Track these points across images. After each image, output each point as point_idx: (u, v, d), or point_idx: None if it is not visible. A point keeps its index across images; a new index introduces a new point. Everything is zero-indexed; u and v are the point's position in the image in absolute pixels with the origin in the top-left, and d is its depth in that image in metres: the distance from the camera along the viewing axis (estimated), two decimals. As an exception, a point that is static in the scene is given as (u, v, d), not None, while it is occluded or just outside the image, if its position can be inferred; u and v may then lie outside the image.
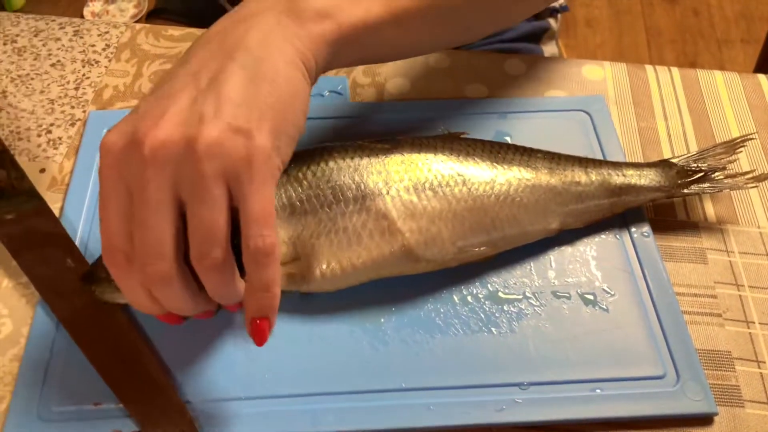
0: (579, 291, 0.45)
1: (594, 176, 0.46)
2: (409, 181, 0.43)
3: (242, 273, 0.39)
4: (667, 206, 0.50)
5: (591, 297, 0.44)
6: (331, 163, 0.43)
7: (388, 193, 0.43)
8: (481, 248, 0.44)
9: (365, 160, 0.44)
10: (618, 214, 0.47)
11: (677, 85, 0.57)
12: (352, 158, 0.44)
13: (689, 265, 0.47)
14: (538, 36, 0.72)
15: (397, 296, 0.44)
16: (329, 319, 0.43)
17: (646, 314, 0.44)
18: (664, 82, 0.58)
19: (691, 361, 0.42)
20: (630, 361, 0.42)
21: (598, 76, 0.58)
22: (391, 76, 0.58)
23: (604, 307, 0.44)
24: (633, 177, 0.47)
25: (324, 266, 0.42)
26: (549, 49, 0.73)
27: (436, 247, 0.43)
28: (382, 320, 0.43)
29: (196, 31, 0.61)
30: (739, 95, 0.57)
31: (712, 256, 0.47)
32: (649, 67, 0.59)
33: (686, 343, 0.42)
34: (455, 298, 0.44)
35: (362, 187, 0.43)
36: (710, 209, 0.50)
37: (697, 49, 1.74)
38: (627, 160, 0.51)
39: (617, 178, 0.47)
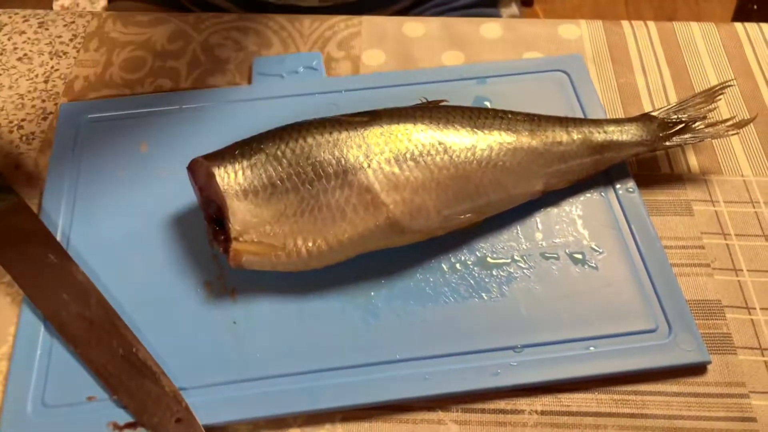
0: (567, 251, 0.45)
1: (575, 135, 0.46)
2: (389, 153, 0.43)
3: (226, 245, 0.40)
4: (651, 160, 0.50)
5: (579, 256, 0.44)
6: (310, 140, 0.43)
7: (369, 166, 0.42)
8: (467, 215, 0.43)
9: (344, 134, 0.43)
10: (602, 171, 0.47)
11: (654, 39, 0.57)
12: (330, 133, 0.43)
13: (675, 218, 0.47)
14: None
15: (386, 268, 0.44)
16: (319, 296, 0.43)
17: (636, 269, 0.44)
18: (641, 36, 0.57)
19: (682, 312, 0.42)
20: (622, 317, 0.42)
21: (575, 35, 0.58)
22: (366, 47, 0.57)
23: (593, 265, 0.44)
24: (614, 133, 0.47)
25: (310, 244, 0.41)
26: (509, 11, 0.71)
27: (422, 217, 0.42)
28: (372, 293, 0.43)
29: (165, 16, 0.59)
30: (716, 45, 0.57)
31: (697, 207, 0.47)
32: (625, 23, 0.58)
33: (676, 295, 0.42)
34: (444, 266, 0.44)
35: (343, 161, 0.42)
36: (693, 160, 0.50)
37: (675, 5, 1.73)
38: (608, 117, 0.51)
39: (599, 135, 0.46)
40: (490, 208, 0.44)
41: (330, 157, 0.42)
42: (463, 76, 0.54)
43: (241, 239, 0.41)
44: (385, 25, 0.59)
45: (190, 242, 0.45)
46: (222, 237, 0.42)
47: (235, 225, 0.41)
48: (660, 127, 0.47)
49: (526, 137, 0.45)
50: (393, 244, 0.43)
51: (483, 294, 0.43)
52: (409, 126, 0.44)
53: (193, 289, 0.43)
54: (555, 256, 0.44)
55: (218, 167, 0.42)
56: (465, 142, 0.44)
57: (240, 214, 0.41)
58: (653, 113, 0.48)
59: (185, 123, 0.52)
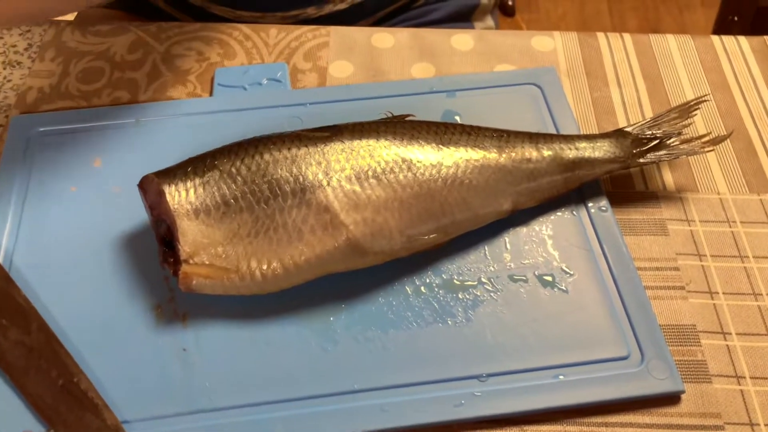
0: (536, 273, 0.43)
1: (545, 152, 0.44)
2: (350, 170, 0.41)
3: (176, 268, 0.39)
4: (625, 177, 0.48)
5: (549, 278, 0.42)
6: (267, 156, 0.41)
7: (328, 184, 0.40)
8: (431, 235, 0.41)
9: (303, 150, 0.41)
10: (573, 189, 0.45)
11: (630, 52, 0.55)
12: (289, 149, 0.41)
13: (650, 238, 0.45)
14: (468, 14, 0.69)
15: (346, 292, 0.42)
16: (273, 321, 0.41)
17: (608, 293, 0.42)
18: (617, 49, 0.56)
19: (655, 338, 0.40)
20: (593, 344, 0.40)
21: (549, 47, 0.56)
22: (333, 59, 0.55)
23: (563, 288, 0.42)
24: (586, 150, 0.45)
25: (264, 267, 0.39)
26: (483, 24, 0.70)
27: (384, 238, 0.40)
28: (331, 318, 0.41)
29: (126, 25, 0.57)
30: (692, 58, 0.55)
31: (672, 227, 0.45)
32: (600, 35, 0.57)
33: (650, 320, 0.41)
34: (408, 289, 0.42)
35: (301, 179, 0.40)
36: (669, 178, 0.48)
37: (659, 15, 1.72)
38: (581, 133, 0.49)
39: (570, 151, 0.45)
40: (455, 228, 0.42)
41: (287, 174, 0.40)
42: (433, 89, 0.52)
43: (191, 261, 0.39)
44: (354, 36, 0.57)
45: (141, 263, 0.43)
46: (172, 259, 0.40)
47: (185, 246, 0.39)
48: (634, 143, 0.46)
49: (494, 154, 0.43)
50: (354, 267, 0.41)
51: (448, 319, 0.41)
52: (372, 142, 0.42)
53: (142, 313, 0.41)
54: (523, 278, 0.43)
55: (169, 185, 0.40)
56: (430, 158, 0.42)
57: (191, 234, 0.39)
58: (627, 129, 0.46)
59: (142, 137, 0.49)
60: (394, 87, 0.52)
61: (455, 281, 0.42)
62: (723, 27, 0.87)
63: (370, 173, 0.41)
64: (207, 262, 0.39)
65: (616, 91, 0.53)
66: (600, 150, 0.45)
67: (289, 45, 0.56)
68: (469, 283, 0.42)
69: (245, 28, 0.57)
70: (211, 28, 0.57)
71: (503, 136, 0.44)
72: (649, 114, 0.51)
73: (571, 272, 0.43)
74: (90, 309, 0.41)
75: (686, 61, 0.55)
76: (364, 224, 0.40)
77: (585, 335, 0.40)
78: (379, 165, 0.41)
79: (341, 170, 0.41)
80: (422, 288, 0.42)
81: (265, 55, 0.55)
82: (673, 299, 0.42)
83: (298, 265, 0.39)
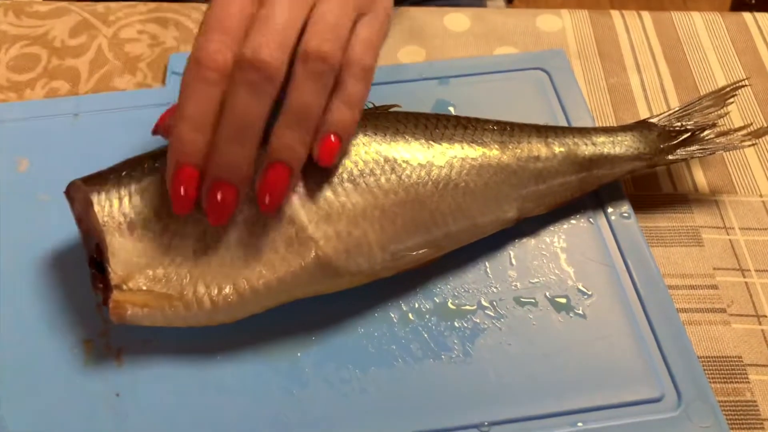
0: (548, 294, 0.35)
1: (557, 148, 0.37)
2: (321, 174, 0.33)
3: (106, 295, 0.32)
4: (650, 178, 0.41)
5: (563, 301, 0.35)
6: None
7: (294, 190, 0.33)
8: (421, 251, 0.34)
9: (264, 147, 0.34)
10: (590, 192, 0.38)
11: (649, 32, 0.48)
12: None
13: (681, 250, 0.38)
14: None
15: (316, 321, 0.34)
16: (227, 359, 0.33)
17: (634, 318, 0.35)
18: (634, 28, 0.48)
19: (693, 374, 0.33)
20: (618, 383, 0.33)
21: (556, 27, 0.49)
22: (307, 43, 0.48)
23: (580, 312, 0.35)
24: (605, 145, 0.37)
25: (215, 292, 0.32)
26: (494, 3, 0.63)
27: (362, 255, 0.33)
28: (299, 354, 0.33)
29: (68, 5, 0.50)
30: (722, 38, 0.48)
31: (708, 236, 0.38)
32: (615, 13, 0.49)
33: (686, 351, 0.33)
34: (393, 316, 0.35)
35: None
36: (701, 178, 0.41)
37: (663, 3, 1.65)
38: (597, 126, 0.42)
39: (586, 147, 0.37)
40: (450, 242, 0.35)
41: None
42: (423, 76, 0.45)
43: (125, 287, 0.31)
44: (331, 16, 0.49)
45: (69, 288, 0.35)
46: (102, 284, 0.32)
47: (116, 268, 0.31)
48: (661, 137, 0.38)
49: (496, 151, 0.36)
50: (325, 291, 0.34)
51: (441, 353, 0.33)
52: (364, 137, 0.35)
53: (67, 349, 0.33)
54: (532, 301, 0.35)
55: (98, 192, 0.33)
56: (418, 158, 0.35)
57: (124, 253, 0.32)
58: (652, 120, 0.39)
59: (81, 134, 0.42)
60: (379, 73, 0.45)
61: (450, 305, 0.35)
62: (741, 5, 0.79)
63: (345, 176, 0.33)
64: (144, 288, 0.32)
65: (635, 76, 0.46)
66: (621, 145, 0.38)
67: (256, 27, 0.48)
68: (467, 307, 0.35)
69: (206, 8, 0.49)
70: (166, 9, 0.50)
71: (506, 130, 0.37)
72: (674, 103, 0.44)
73: (589, 293, 0.35)
74: (6, 345, 0.34)
75: (715, 41, 0.48)
76: (337, 239, 0.32)
77: (608, 372, 0.33)
78: (356, 166, 0.34)
79: (310, 173, 0.33)
80: (410, 315, 0.35)
81: (228, 38, 0.48)
82: (713, 324, 0.35)
83: (256, 289, 0.32)
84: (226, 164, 0.30)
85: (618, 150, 0.38)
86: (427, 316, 0.35)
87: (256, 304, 0.33)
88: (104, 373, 0.33)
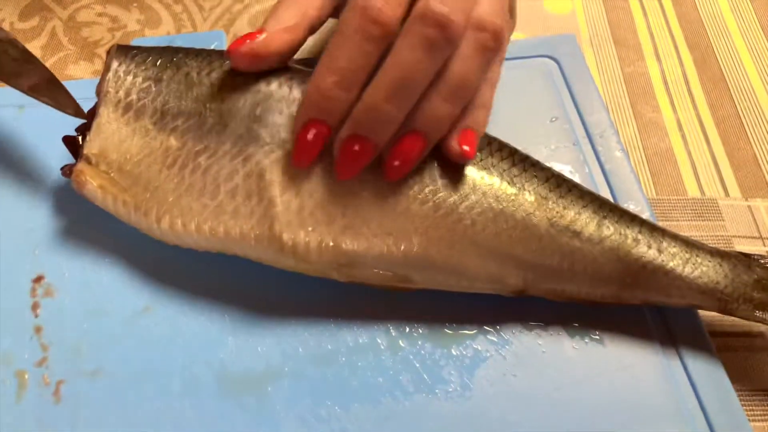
0: (558, 315, 0.31)
1: (609, 233, 0.29)
2: None
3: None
4: (673, 179, 0.36)
5: (575, 323, 0.30)
6: (240, 79, 0.30)
7: (282, 145, 0.29)
8: (383, 272, 0.29)
9: (282, 92, 0.30)
10: (624, 305, 0.30)
11: (669, 16, 0.43)
12: (268, 83, 0.30)
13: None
14: None
15: (290, 347, 0.29)
16: (186, 393, 0.28)
17: (659, 345, 0.30)
18: (653, 11, 0.43)
19: (730, 410, 0.28)
20: (642, 421, 0.28)
21: (565, 10, 0.44)
22: (287, 26, 0.43)
23: (596, 337, 0.30)
24: (674, 258, 0.29)
25: (162, 210, 0.29)
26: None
27: (314, 242, 0.28)
28: (269, 388, 0.28)
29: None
30: (749, 21, 0.43)
31: (742, 247, 0.33)
32: (630, -6, 0.44)
33: (720, 383, 0.29)
34: (380, 342, 0.30)
35: (255, 127, 0.29)
36: (731, 180, 0.36)
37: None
38: (612, 121, 0.37)
39: (646, 250, 0.29)
40: (423, 279, 0.29)
41: (246, 111, 0.29)
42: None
43: (93, 161, 0.30)
44: (314, -3, 0.44)
45: (3, 305, 0.31)
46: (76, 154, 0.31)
47: (94, 140, 0.30)
48: (760, 285, 0.29)
49: (529, 203, 0.29)
50: (265, 261, 0.29)
51: (436, 387, 0.29)
52: None
53: (-2, 383, 0.29)
54: (541, 324, 0.30)
55: (119, 63, 0.31)
56: (432, 168, 0.29)
57: (107, 129, 0.30)
58: (757, 257, 0.30)
59: (25, 128, 0.37)
60: (366, 61, 0.40)
61: (446, 330, 0.30)
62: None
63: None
64: (107, 171, 0.30)
65: (654, 64, 0.41)
66: (696, 268, 0.29)
67: (230, 9, 0.43)
68: (466, 332, 0.30)
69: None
70: (130, -12, 0.44)
71: (557, 185, 0.30)
72: (699, 95, 0.39)
73: (607, 315, 0.31)
74: (-73, 375, 0.29)
75: (742, 25, 0.43)
76: (297, 213, 0.28)
77: (631, 409, 0.28)
78: None
79: None
80: (400, 341, 0.30)
81: (198, 22, 0.43)
82: (751, 351, 0.30)
83: (200, 227, 0.29)
84: (374, 123, 0.27)
85: (687, 271, 0.29)
86: (420, 342, 0.30)
87: (194, 241, 0.29)
88: (39, 410, 0.28)
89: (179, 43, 0.40)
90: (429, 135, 0.28)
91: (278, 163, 0.29)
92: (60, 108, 0.31)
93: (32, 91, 0.32)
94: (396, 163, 0.28)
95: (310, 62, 0.32)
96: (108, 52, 0.32)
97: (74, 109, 0.32)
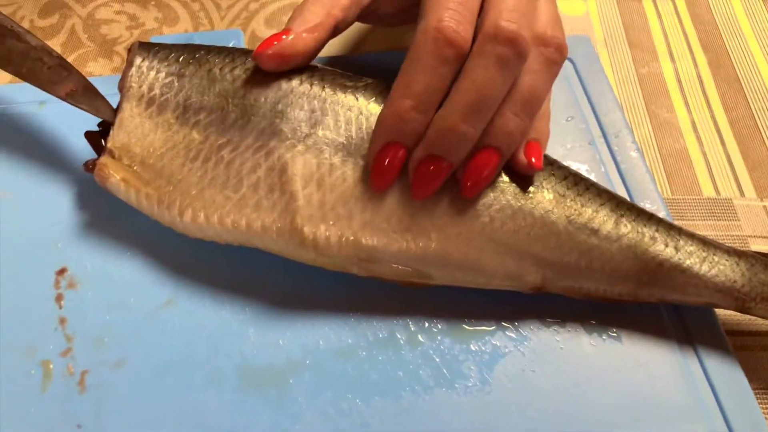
0: (576, 310, 0.31)
1: (626, 231, 0.29)
2: (342, 137, 0.29)
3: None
4: (688, 179, 0.36)
5: (593, 321, 0.31)
6: (260, 76, 0.30)
7: (303, 140, 0.29)
8: (402, 267, 0.29)
9: (303, 88, 0.30)
10: (641, 303, 0.30)
11: (683, 17, 0.44)
12: (290, 79, 0.30)
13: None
14: None
15: (311, 340, 0.30)
16: (209, 385, 0.29)
17: (676, 342, 0.30)
18: (666, 13, 0.44)
19: (747, 409, 0.28)
20: (659, 418, 0.28)
21: (579, 11, 0.44)
22: (304, 25, 0.43)
23: (613, 334, 0.30)
24: (691, 256, 0.29)
25: (185, 203, 0.29)
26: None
27: (334, 236, 0.28)
28: (291, 381, 0.29)
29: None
30: (763, 23, 0.43)
31: (758, 247, 0.34)
32: (644, -4, 0.45)
33: (737, 381, 0.29)
34: (400, 336, 0.30)
35: (278, 121, 0.29)
36: (746, 179, 0.36)
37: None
38: (627, 122, 0.37)
39: (663, 248, 0.29)
40: (442, 275, 0.29)
41: (269, 106, 0.30)
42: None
43: (116, 155, 0.30)
44: (330, -3, 0.44)
45: (29, 299, 0.31)
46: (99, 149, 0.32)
47: (117, 134, 0.30)
48: None
49: (548, 201, 0.29)
50: (286, 254, 0.30)
51: (456, 382, 0.29)
52: None
53: (22, 372, 0.29)
54: (558, 321, 0.31)
55: (142, 59, 0.32)
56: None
57: (130, 123, 0.31)
58: None
59: (47, 124, 0.37)
60: (383, 60, 0.40)
61: (465, 326, 0.30)
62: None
63: (362, 151, 0.29)
64: (131, 165, 0.30)
65: (668, 65, 0.41)
66: (713, 267, 0.29)
67: (247, 7, 0.44)
68: (485, 328, 0.30)
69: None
70: (148, -13, 0.45)
71: (575, 184, 0.30)
72: (713, 95, 0.40)
73: (624, 312, 0.31)
74: (-48, 366, 0.29)
75: (756, 27, 0.43)
76: (319, 207, 0.28)
77: (648, 405, 0.28)
78: None
79: (329, 129, 0.29)
80: (419, 335, 0.30)
81: (216, 20, 0.43)
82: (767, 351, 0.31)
83: (222, 220, 0.29)
84: (450, 144, 0.27)
85: (704, 270, 0.29)
86: (439, 338, 0.30)
87: (216, 234, 0.30)
88: (63, 400, 0.28)
89: (197, 41, 0.41)
90: (503, 150, 0.28)
91: (300, 157, 0.29)
92: (98, 114, 0.32)
93: (69, 98, 0.32)
94: (471, 180, 0.28)
95: (336, 61, 0.32)
96: (129, 50, 0.33)
97: (111, 115, 0.32)
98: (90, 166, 0.31)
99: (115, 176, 0.30)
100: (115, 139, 0.30)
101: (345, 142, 0.29)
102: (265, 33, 0.42)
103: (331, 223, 0.28)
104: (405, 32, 0.42)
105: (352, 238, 0.28)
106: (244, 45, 0.41)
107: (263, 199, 0.29)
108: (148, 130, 0.30)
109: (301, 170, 0.29)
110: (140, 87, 0.31)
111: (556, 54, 0.29)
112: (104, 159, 0.30)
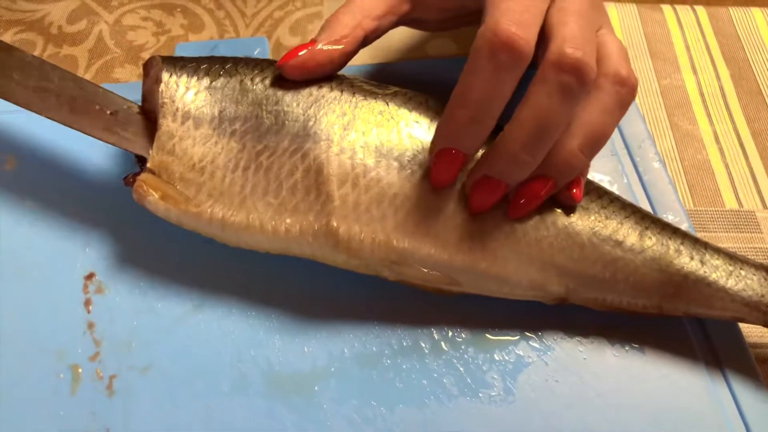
0: (598, 322, 0.31)
1: (650, 243, 0.29)
2: (375, 139, 0.30)
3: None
4: (710, 191, 0.36)
5: (616, 332, 0.31)
6: (290, 82, 0.31)
7: (337, 141, 0.30)
8: (432, 272, 0.29)
9: (334, 93, 0.31)
10: (665, 316, 0.30)
11: (705, 29, 0.44)
12: (320, 86, 0.31)
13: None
14: None
15: (336, 348, 0.30)
16: (235, 392, 0.29)
17: (698, 354, 0.30)
18: (689, 25, 0.44)
19: (771, 422, 0.28)
20: (685, 429, 0.28)
21: (601, 22, 0.44)
22: (327, 34, 0.43)
23: (635, 345, 0.31)
24: (717, 270, 0.29)
25: (228, 214, 0.29)
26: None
27: (368, 238, 0.29)
28: (316, 388, 0.29)
29: (68, -12, 0.46)
30: (786, 37, 0.43)
31: (778, 260, 0.34)
32: (666, 8, 0.45)
33: (761, 394, 0.29)
34: (423, 345, 0.30)
35: (311, 123, 0.30)
36: (769, 193, 0.36)
37: None
38: (652, 136, 0.37)
39: (689, 261, 0.29)
40: (469, 281, 0.30)
41: (301, 111, 0.30)
42: (454, 74, 0.40)
43: (156, 172, 0.30)
44: (354, 5, 0.45)
45: (58, 304, 0.31)
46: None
47: (157, 152, 0.30)
48: None
49: (573, 213, 0.30)
50: (320, 258, 0.30)
51: (480, 391, 0.29)
52: (424, 120, 0.31)
53: (51, 376, 0.29)
54: (581, 331, 0.31)
55: (170, 73, 0.31)
56: None
57: (167, 140, 0.30)
58: None
59: (75, 131, 0.38)
60: (404, 69, 0.41)
61: (489, 336, 0.31)
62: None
63: (394, 153, 0.30)
64: (170, 181, 0.30)
65: (690, 77, 0.41)
66: (740, 281, 0.29)
67: (272, 15, 0.44)
68: (509, 338, 0.31)
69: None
70: (174, -6, 0.45)
71: (599, 196, 0.31)
72: (735, 107, 0.40)
73: (646, 323, 0.31)
74: (-17, 367, 0.30)
75: (778, 40, 0.43)
76: (353, 208, 0.29)
77: (671, 417, 0.29)
78: (409, 148, 0.30)
79: (363, 133, 0.30)
80: (443, 344, 0.30)
81: (241, 27, 0.44)
82: (789, 363, 0.31)
83: (263, 227, 0.29)
84: (508, 169, 0.28)
85: (731, 284, 0.29)
86: (463, 347, 0.30)
87: (257, 242, 0.30)
88: (92, 403, 0.29)
89: (222, 48, 0.41)
90: (559, 181, 0.28)
91: (335, 158, 0.29)
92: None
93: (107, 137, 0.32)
94: (521, 202, 0.29)
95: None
96: (146, 65, 0.32)
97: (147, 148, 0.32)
98: (130, 181, 0.31)
99: (153, 195, 0.29)
100: (154, 159, 0.30)
101: (378, 144, 0.30)
102: (290, 41, 0.43)
103: (365, 224, 0.29)
104: (427, 41, 0.43)
105: (384, 239, 0.29)
106: (268, 52, 0.41)
107: (301, 203, 0.29)
108: (187, 145, 0.30)
109: (336, 170, 0.29)
110: (173, 102, 0.31)
111: (630, 96, 0.28)
112: (144, 176, 0.30)
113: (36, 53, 0.42)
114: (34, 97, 0.32)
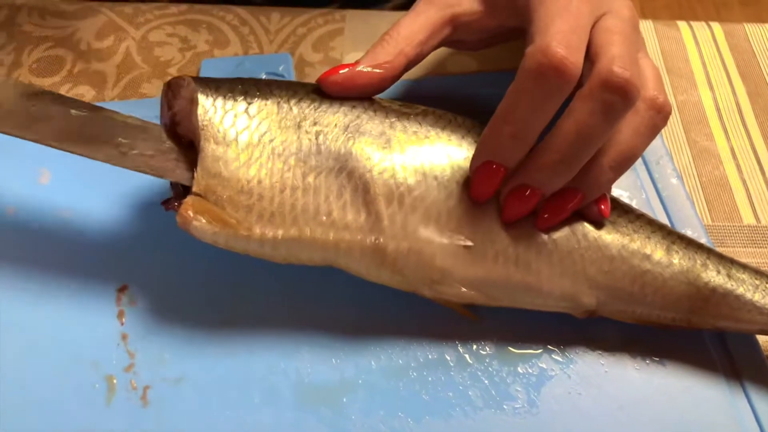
0: (620, 335, 0.32)
1: (677, 258, 0.30)
2: (414, 158, 0.31)
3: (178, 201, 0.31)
4: (728, 207, 0.37)
5: (637, 345, 0.31)
6: (326, 105, 0.31)
7: (382, 161, 0.30)
8: (471, 292, 0.30)
9: (370, 113, 0.31)
10: (695, 329, 0.31)
11: (721, 45, 0.44)
12: (353, 107, 0.32)
13: None
14: None
15: (363, 361, 0.31)
16: (267, 403, 0.30)
17: (719, 368, 0.31)
18: (704, 41, 0.45)
19: (790, 435, 0.29)
20: (704, 442, 0.29)
21: (618, 38, 0.45)
22: (349, 49, 0.44)
23: (656, 358, 0.31)
24: (744, 284, 0.30)
25: (278, 234, 0.29)
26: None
27: (414, 257, 0.29)
28: (344, 400, 0.30)
29: (96, 5, 0.47)
30: (801, 53, 0.44)
31: (796, 275, 0.34)
32: (682, 24, 0.45)
33: (780, 407, 0.30)
34: (448, 358, 0.31)
35: (351, 143, 0.30)
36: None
37: (695, 13, 1.61)
38: (671, 155, 0.38)
39: (716, 276, 0.30)
40: (504, 296, 0.31)
41: (340, 132, 0.31)
42: (472, 90, 0.41)
43: (201, 196, 0.29)
44: (374, 21, 0.46)
45: (93, 315, 0.32)
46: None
47: (201, 175, 0.29)
48: None
49: (602, 228, 0.31)
50: (364, 275, 0.30)
51: (504, 403, 0.30)
52: (456, 138, 0.32)
53: (88, 386, 0.30)
54: (603, 345, 0.32)
55: (206, 95, 0.31)
56: None
57: (211, 163, 0.30)
58: None
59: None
60: (424, 85, 0.42)
61: (512, 349, 0.31)
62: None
63: (437, 172, 0.30)
64: (216, 205, 0.29)
65: (707, 93, 0.42)
66: (767, 295, 0.30)
67: (295, 32, 0.45)
68: (532, 351, 0.31)
69: (241, 10, 0.46)
70: (198, 11, 0.46)
71: (626, 212, 0.32)
72: (751, 123, 0.40)
73: (668, 336, 0.32)
74: (15, 380, 0.30)
75: (794, 57, 0.44)
76: (401, 228, 0.29)
77: (691, 429, 0.29)
78: (452, 167, 0.31)
79: (402, 152, 0.31)
80: (468, 357, 0.31)
81: (265, 43, 0.44)
82: (807, 377, 0.31)
83: (314, 241, 0.29)
84: (545, 179, 0.28)
85: (757, 297, 0.30)
86: (487, 360, 0.31)
87: (309, 257, 0.30)
88: (126, 414, 0.30)
89: (247, 64, 0.42)
90: (587, 196, 0.29)
91: (379, 176, 0.30)
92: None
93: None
94: (550, 215, 0.30)
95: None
96: (169, 85, 0.32)
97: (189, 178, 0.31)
98: (174, 205, 0.31)
99: (200, 219, 0.29)
100: (200, 183, 0.29)
101: (417, 164, 0.30)
102: (313, 57, 0.44)
103: (412, 242, 0.29)
104: (448, 57, 0.44)
105: (429, 259, 0.30)
106: (292, 69, 0.42)
107: (352, 222, 0.29)
108: (234, 167, 0.30)
109: (382, 190, 0.30)
110: (213, 125, 0.30)
111: (663, 122, 0.29)
112: (191, 199, 0.29)
113: (65, 69, 0.43)
114: (79, 146, 0.31)
